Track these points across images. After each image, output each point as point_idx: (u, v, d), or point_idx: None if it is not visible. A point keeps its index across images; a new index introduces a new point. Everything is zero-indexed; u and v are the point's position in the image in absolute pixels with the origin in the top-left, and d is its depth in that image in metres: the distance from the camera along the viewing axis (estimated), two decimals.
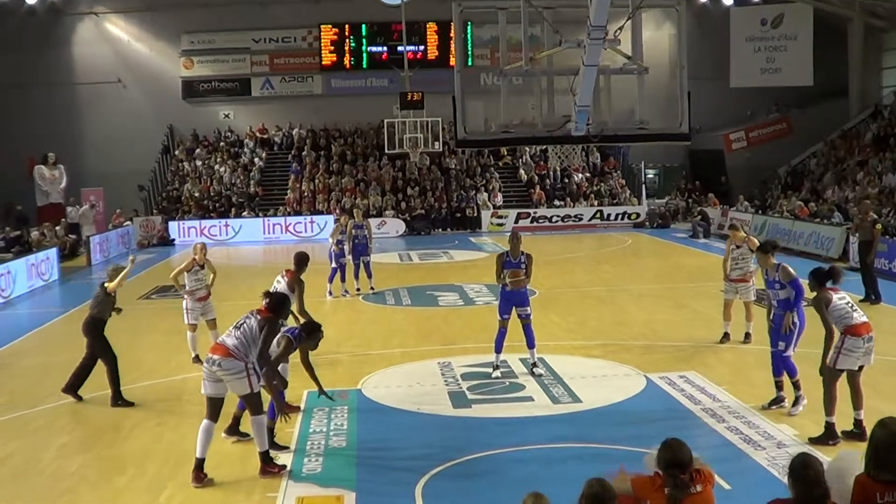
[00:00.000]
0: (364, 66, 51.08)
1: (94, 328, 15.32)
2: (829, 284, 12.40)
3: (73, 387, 15.35)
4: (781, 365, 13.53)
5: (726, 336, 17.91)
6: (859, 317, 12.33)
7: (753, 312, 17.93)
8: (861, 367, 12.46)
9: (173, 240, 43.20)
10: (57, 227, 38.32)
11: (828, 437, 12.17)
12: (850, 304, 12.41)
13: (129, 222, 42.53)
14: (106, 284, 15.48)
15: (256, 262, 37.46)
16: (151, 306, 24.77)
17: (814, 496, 6.04)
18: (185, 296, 17.79)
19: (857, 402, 12.41)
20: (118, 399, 15.04)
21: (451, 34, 47.65)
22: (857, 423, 12.35)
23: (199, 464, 11.25)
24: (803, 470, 6.15)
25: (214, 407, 11.40)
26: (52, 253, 31.64)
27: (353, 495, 10.68)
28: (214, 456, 12.24)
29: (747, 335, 17.91)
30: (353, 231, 25.02)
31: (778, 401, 13.59)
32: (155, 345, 19.94)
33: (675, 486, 6.65)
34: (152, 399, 15.54)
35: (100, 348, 15.24)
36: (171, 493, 10.99)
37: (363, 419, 13.75)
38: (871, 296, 21.86)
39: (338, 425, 13.39)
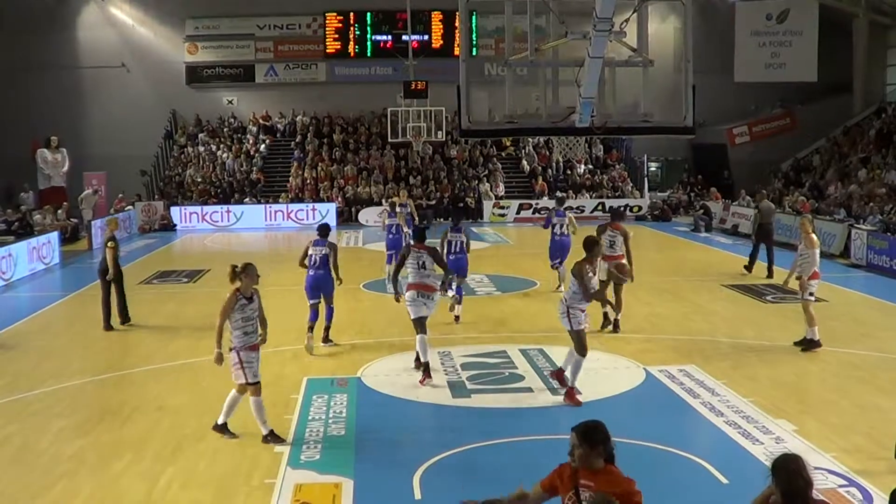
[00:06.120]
0: (368, 54, 51.00)
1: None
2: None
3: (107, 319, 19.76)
4: None
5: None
6: (613, 251, 18.48)
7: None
8: (615, 283, 17.83)
9: (175, 225, 43.20)
10: (58, 211, 38.27)
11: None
12: (611, 240, 18.74)
13: (130, 207, 42.51)
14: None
15: (258, 249, 37.42)
16: (151, 291, 24.77)
17: (798, 486, 6.07)
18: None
19: (616, 308, 17.53)
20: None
21: (457, 23, 47.60)
22: (615, 321, 18.40)
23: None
24: (784, 463, 6.20)
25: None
26: (54, 236, 31.62)
27: (351, 483, 10.70)
28: (213, 442, 12.28)
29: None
30: (398, 209, 26.65)
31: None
32: (154, 329, 19.95)
33: None
34: (151, 384, 15.56)
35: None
36: (170, 478, 11.00)
37: (362, 407, 13.75)
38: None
39: (337, 413, 13.39)
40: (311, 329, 17.10)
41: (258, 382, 12.18)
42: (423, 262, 15.36)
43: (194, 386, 15.28)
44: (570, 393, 13.87)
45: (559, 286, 22.51)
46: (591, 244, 14.08)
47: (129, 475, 11.15)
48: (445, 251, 19.79)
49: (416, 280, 15.29)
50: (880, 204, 33.43)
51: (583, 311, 13.75)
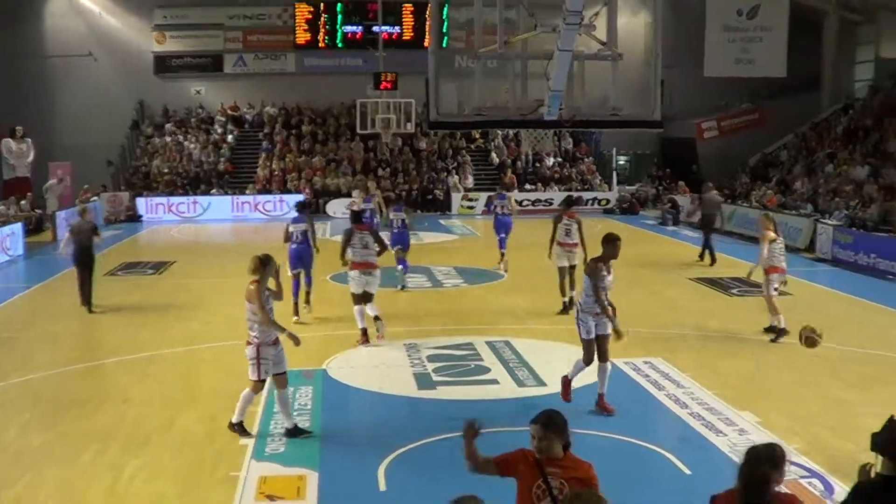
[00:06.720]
0: (338, 45, 50.78)
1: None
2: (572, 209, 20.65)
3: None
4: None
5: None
6: (569, 238, 19.66)
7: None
8: (571, 267, 19.60)
9: (141, 216, 42.94)
10: (22, 202, 37.92)
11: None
12: (567, 228, 19.71)
13: (96, 198, 42.16)
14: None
15: (225, 241, 37.32)
16: (117, 283, 24.61)
17: (758, 475, 6.00)
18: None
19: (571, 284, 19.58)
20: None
21: (428, 15, 47.52)
22: (566, 303, 19.60)
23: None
24: (754, 451, 6.15)
25: None
26: (18, 228, 31.33)
27: (315, 475, 10.69)
28: (178, 435, 12.24)
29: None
30: (372, 195, 28.55)
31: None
32: (120, 321, 19.86)
33: None
34: (117, 376, 15.48)
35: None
36: (135, 470, 10.94)
37: (328, 399, 13.73)
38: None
39: (302, 405, 13.35)
40: (297, 304, 19.23)
41: (263, 381, 12.05)
42: (367, 243, 17.12)
43: (160, 378, 15.22)
44: (564, 383, 13.39)
45: (500, 266, 25.43)
46: (607, 241, 13.26)
47: (95, 467, 11.08)
48: (388, 227, 22.87)
49: (360, 259, 17.04)
50: (846, 199, 33.65)
51: (597, 315, 13.00)
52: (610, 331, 12.98)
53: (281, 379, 12.11)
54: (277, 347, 12.04)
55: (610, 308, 13.02)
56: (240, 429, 12.08)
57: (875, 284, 24.02)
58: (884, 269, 25.29)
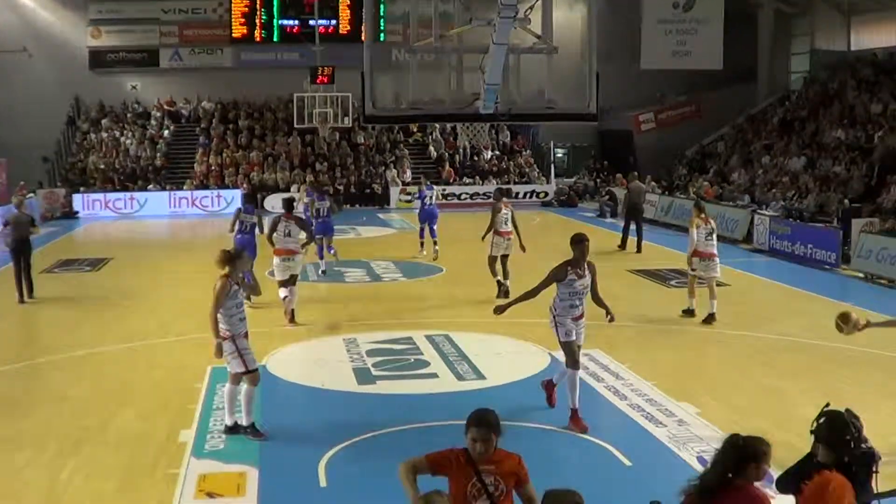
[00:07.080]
0: (275, 39, 50.41)
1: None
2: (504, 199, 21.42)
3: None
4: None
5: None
6: (505, 227, 20.49)
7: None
8: (505, 256, 20.71)
9: (77, 212, 42.42)
10: None
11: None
12: (505, 217, 20.53)
13: (32, 195, 41.54)
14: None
15: (162, 237, 37.01)
16: (54, 280, 24.29)
17: (733, 463, 6.04)
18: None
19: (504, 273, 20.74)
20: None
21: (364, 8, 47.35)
22: (504, 287, 20.42)
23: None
24: (727, 441, 6.18)
25: None
26: None
27: (255, 472, 10.63)
28: (115, 433, 12.12)
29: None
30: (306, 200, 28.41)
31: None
32: (57, 319, 19.64)
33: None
34: (54, 374, 15.30)
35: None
36: (72, 470, 10.81)
37: (267, 396, 13.62)
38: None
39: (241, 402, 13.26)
40: None
41: (256, 370, 11.94)
42: (290, 231, 18.21)
43: (97, 376, 15.06)
44: (574, 417, 12.16)
45: (435, 254, 26.48)
46: (572, 242, 12.70)
47: (32, 468, 10.94)
48: (314, 216, 23.95)
49: (281, 246, 18.12)
50: (783, 190, 34.08)
51: (575, 319, 12.57)
52: (574, 338, 12.51)
53: (236, 375, 11.98)
54: (248, 339, 11.92)
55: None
56: (252, 431, 11.86)
57: (811, 274, 24.37)
58: (820, 259, 25.63)
